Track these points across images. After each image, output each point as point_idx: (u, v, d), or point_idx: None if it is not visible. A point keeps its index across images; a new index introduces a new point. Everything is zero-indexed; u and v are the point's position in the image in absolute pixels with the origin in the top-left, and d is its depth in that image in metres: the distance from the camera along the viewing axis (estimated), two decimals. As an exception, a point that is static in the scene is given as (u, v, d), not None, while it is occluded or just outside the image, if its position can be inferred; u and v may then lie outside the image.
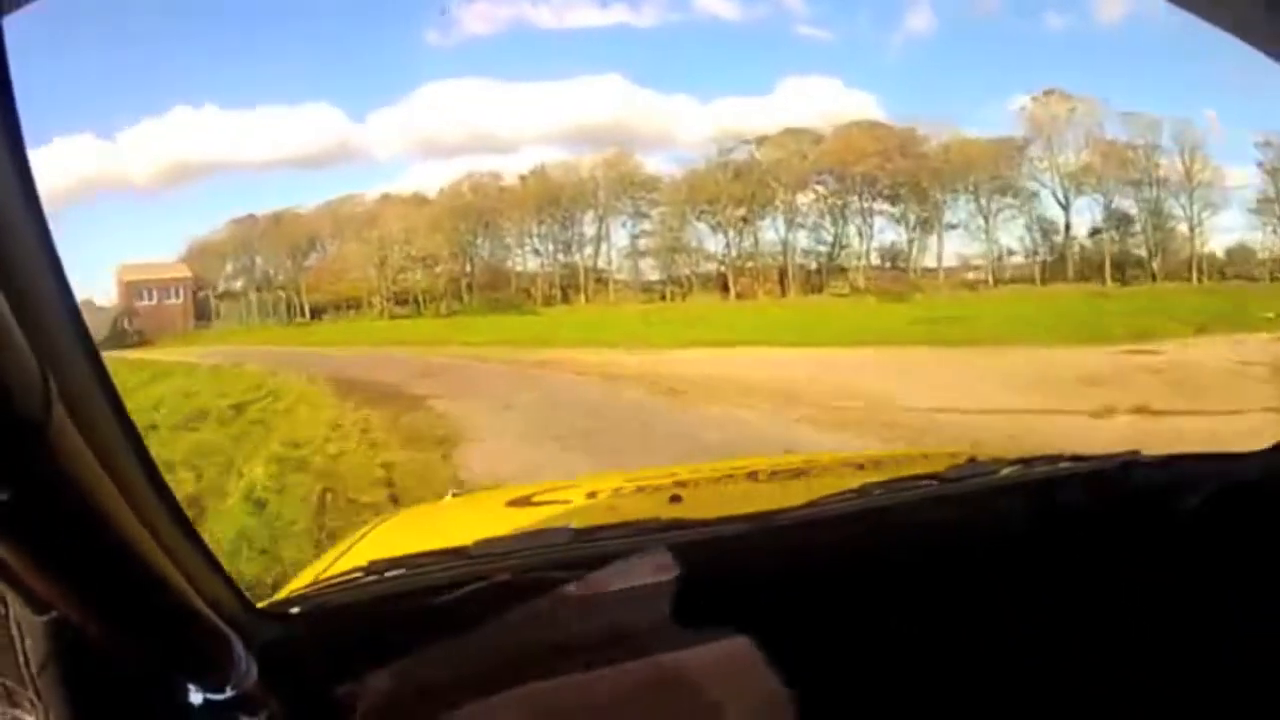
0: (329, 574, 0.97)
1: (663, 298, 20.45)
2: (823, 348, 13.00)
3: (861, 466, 1.52)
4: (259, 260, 22.45)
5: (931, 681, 0.80)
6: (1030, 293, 18.72)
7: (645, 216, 20.90)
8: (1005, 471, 1.12)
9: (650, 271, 21.09)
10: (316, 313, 21.74)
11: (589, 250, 21.10)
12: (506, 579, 0.80)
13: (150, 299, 23.45)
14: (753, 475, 1.57)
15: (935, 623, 0.85)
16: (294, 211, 21.46)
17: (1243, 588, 0.87)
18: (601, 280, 21.12)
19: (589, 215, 20.84)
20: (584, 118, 21.58)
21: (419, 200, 20.96)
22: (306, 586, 0.92)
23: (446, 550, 0.89)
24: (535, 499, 1.47)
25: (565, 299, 20.83)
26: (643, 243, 21.06)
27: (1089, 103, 19.08)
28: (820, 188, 20.44)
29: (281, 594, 0.92)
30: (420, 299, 21.13)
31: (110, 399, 0.48)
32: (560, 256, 21.24)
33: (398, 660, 0.73)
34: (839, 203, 20.38)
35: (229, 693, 0.59)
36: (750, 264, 20.37)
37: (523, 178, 20.77)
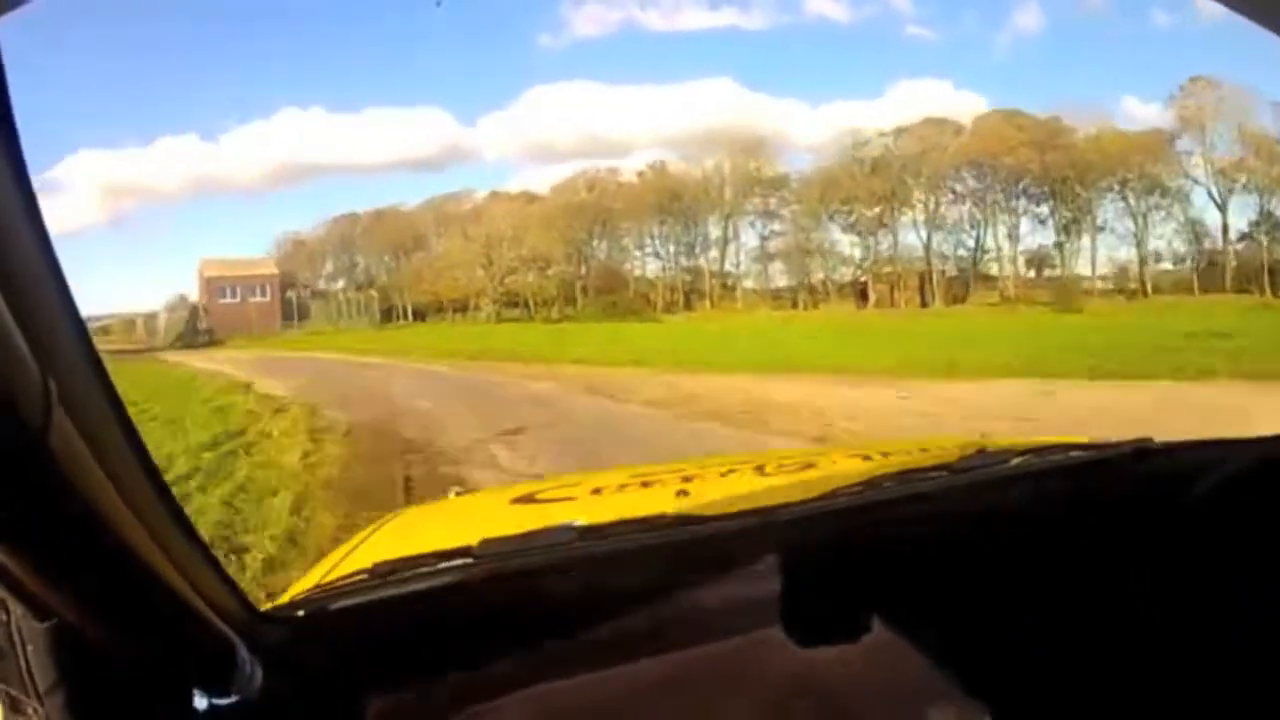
0: (333, 576, 0.92)
1: (794, 305, 18.81)
2: (1112, 381, 8.66)
3: (870, 458, 1.48)
4: (360, 259, 21.56)
5: (946, 670, 0.78)
6: (1197, 304, 16.82)
7: (775, 216, 19.24)
8: (1016, 460, 1.07)
9: (779, 277, 19.44)
10: (419, 314, 20.55)
11: (714, 253, 19.49)
12: (513, 579, 0.80)
13: (232, 296, 22.85)
14: (760, 469, 1.47)
15: (948, 613, 0.83)
16: (397, 209, 20.69)
17: (1256, 573, 0.83)
18: (727, 286, 19.54)
19: (713, 216, 19.25)
20: (696, 121, 20.11)
21: (529, 198, 19.71)
22: (311, 589, 0.87)
23: (451, 550, 0.85)
24: (540, 496, 1.45)
25: (688, 305, 19.32)
26: (772, 245, 19.40)
27: (1237, 91, 17.16)
28: (960, 186, 18.70)
29: (285, 597, 0.87)
30: (530, 302, 19.80)
31: (112, 403, 0.48)
32: (682, 259, 19.73)
33: (404, 662, 0.72)
34: (982, 201, 18.62)
35: (233, 697, 0.59)
36: (888, 269, 18.71)
37: (641, 174, 19.47)
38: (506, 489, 1.78)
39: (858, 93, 22.72)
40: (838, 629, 0.80)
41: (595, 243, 19.87)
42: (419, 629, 0.75)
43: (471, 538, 0.87)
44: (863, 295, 18.52)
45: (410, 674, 0.72)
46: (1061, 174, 18.05)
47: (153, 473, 0.52)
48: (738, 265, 19.68)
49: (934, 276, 18.47)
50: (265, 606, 0.75)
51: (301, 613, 0.76)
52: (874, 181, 18.16)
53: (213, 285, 23.12)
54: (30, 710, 0.52)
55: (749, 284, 19.63)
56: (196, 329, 22.22)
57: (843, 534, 0.89)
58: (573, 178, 19.45)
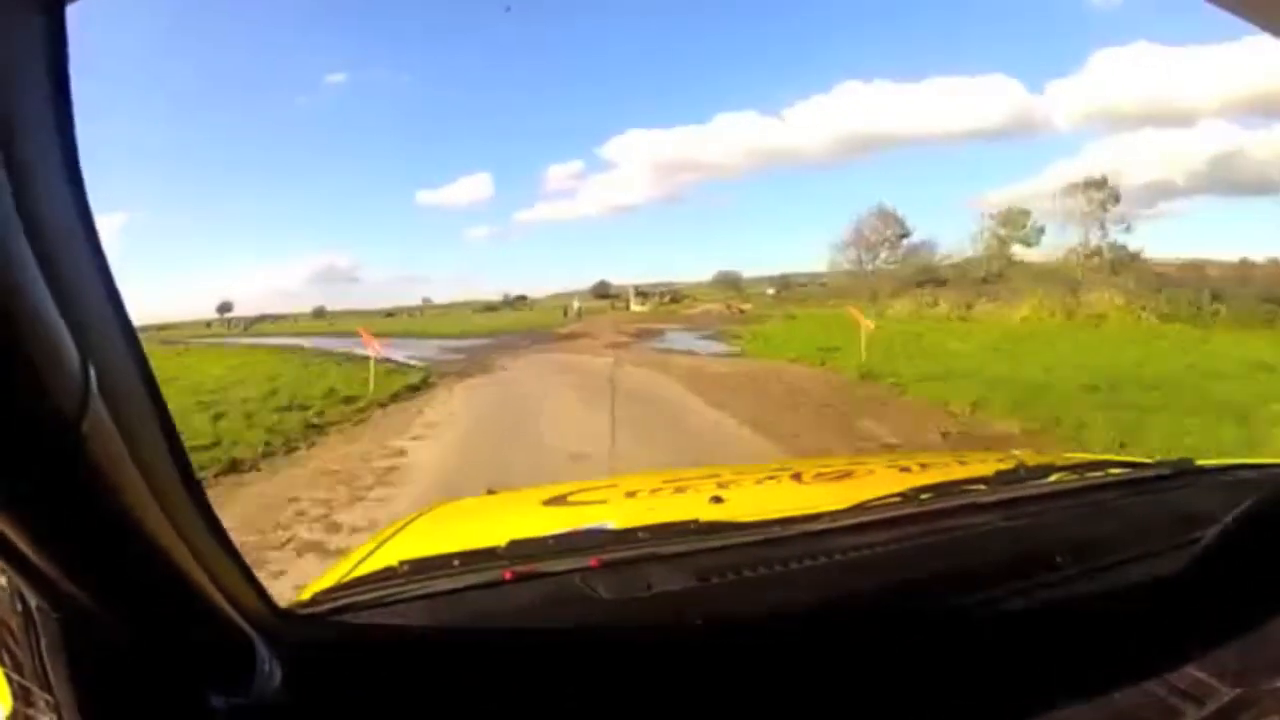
0: (357, 574, 0.91)
1: None
2: None
3: (907, 469, 1.48)
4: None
5: (981, 691, 0.76)
6: None
7: None
8: (1055, 477, 1.09)
9: None
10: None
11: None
12: (541, 582, 0.78)
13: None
14: (796, 477, 1.45)
15: (983, 630, 0.81)
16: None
17: None
18: None
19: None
20: (1268, 84, 17.03)
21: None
22: (333, 586, 0.84)
23: (479, 551, 0.85)
24: (572, 498, 1.41)
25: None
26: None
27: None
28: None
29: (306, 594, 0.84)
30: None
31: (151, 392, 0.47)
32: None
33: (428, 664, 0.69)
34: None
35: (251, 696, 0.58)
36: None
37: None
38: (539, 490, 1.59)
39: None
40: (873, 641, 0.78)
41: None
42: (444, 629, 0.73)
43: (500, 538, 0.87)
44: None
45: (434, 675, 0.69)
46: None
47: (184, 464, 0.51)
48: None
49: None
50: (286, 604, 0.72)
51: (323, 610, 0.73)
52: None
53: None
54: (42, 703, 0.50)
55: None
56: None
57: (879, 545, 0.87)
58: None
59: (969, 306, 19.88)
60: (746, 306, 28.80)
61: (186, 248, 51.75)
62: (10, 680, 0.53)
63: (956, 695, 0.75)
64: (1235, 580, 0.82)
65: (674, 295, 33.25)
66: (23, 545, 0.41)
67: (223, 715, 0.56)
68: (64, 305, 0.38)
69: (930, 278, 27.52)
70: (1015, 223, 25.96)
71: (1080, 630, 0.82)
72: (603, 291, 37.31)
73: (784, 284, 33.41)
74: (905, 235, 29.46)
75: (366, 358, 12.78)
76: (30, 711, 0.52)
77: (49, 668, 0.49)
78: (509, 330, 25.21)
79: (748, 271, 36.37)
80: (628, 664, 0.72)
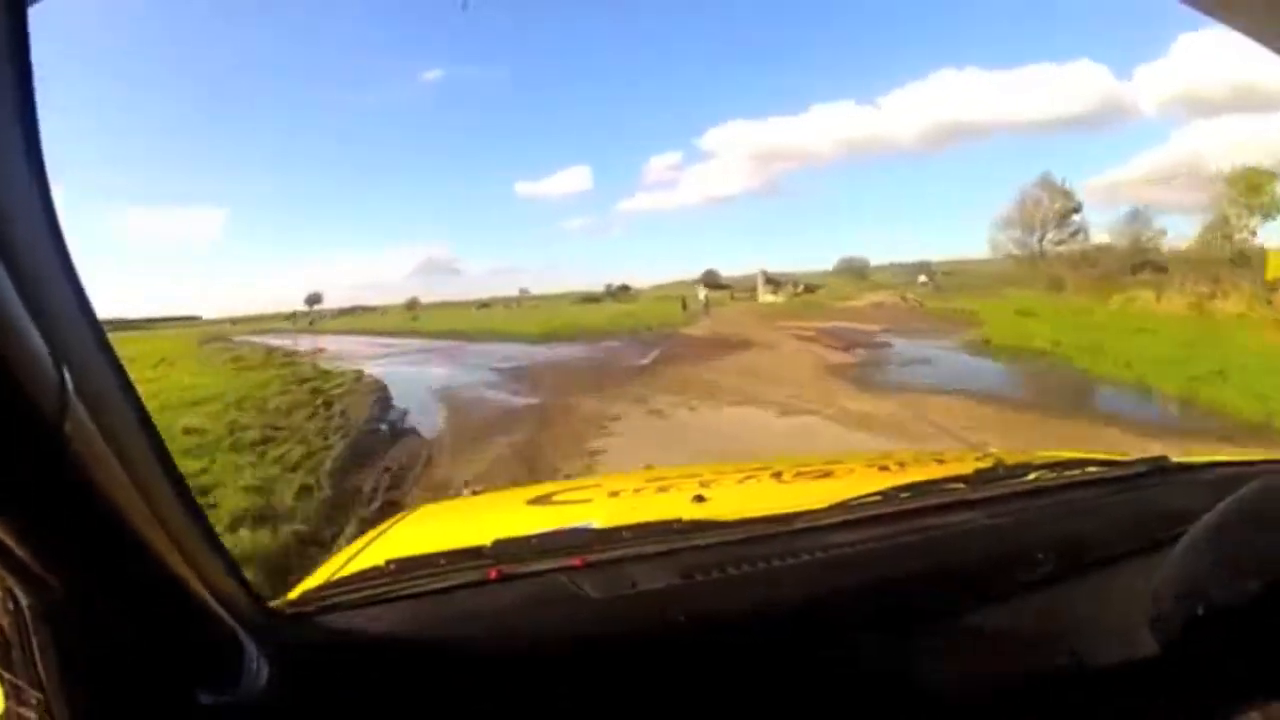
0: (344, 573, 0.92)
1: None
2: None
3: (887, 468, 1.47)
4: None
5: (961, 690, 0.76)
6: None
7: None
8: (1033, 475, 1.08)
9: None
10: None
11: None
12: (526, 581, 0.79)
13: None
14: (777, 475, 1.46)
15: (963, 629, 0.81)
16: None
17: (1273, 593, 0.81)
18: None
19: None
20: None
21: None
22: (320, 585, 0.84)
23: (465, 550, 0.86)
24: (556, 498, 1.43)
25: None
26: None
27: None
28: None
29: (294, 593, 0.84)
30: None
31: (127, 393, 0.48)
32: None
33: (414, 663, 0.70)
34: None
35: (238, 694, 0.59)
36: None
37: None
38: (524, 489, 1.63)
39: None
40: (852, 639, 0.77)
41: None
42: (430, 628, 0.73)
43: (486, 537, 0.87)
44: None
45: (420, 674, 0.69)
46: None
47: (168, 463, 0.51)
48: None
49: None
50: (274, 603, 0.72)
51: (310, 608, 0.73)
52: None
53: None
54: (33, 700, 0.51)
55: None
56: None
57: (859, 543, 0.87)
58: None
59: (1269, 302, 15.18)
60: (915, 299, 24.50)
61: (290, 241, 52.66)
62: (2, 679, 0.53)
63: (940, 692, 0.74)
64: (1216, 577, 0.79)
65: (807, 285, 29.00)
66: (13, 545, 0.42)
67: (210, 712, 0.56)
68: (31, 307, 0.38)
69: (1145, 260, 22.30)
70: (1259, 188, 20.53)
71: (1063, 628, 0.82)
72: (713, 281, 33.24)
73: (927, 271, 28.91)
74: (1076, 209, 24.42)
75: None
76: (21, 710, 0.52)
77: (40, 666, 0.50)
78: (614, 331, 19.29)
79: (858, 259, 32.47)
80: (613, 662, 0.72)
